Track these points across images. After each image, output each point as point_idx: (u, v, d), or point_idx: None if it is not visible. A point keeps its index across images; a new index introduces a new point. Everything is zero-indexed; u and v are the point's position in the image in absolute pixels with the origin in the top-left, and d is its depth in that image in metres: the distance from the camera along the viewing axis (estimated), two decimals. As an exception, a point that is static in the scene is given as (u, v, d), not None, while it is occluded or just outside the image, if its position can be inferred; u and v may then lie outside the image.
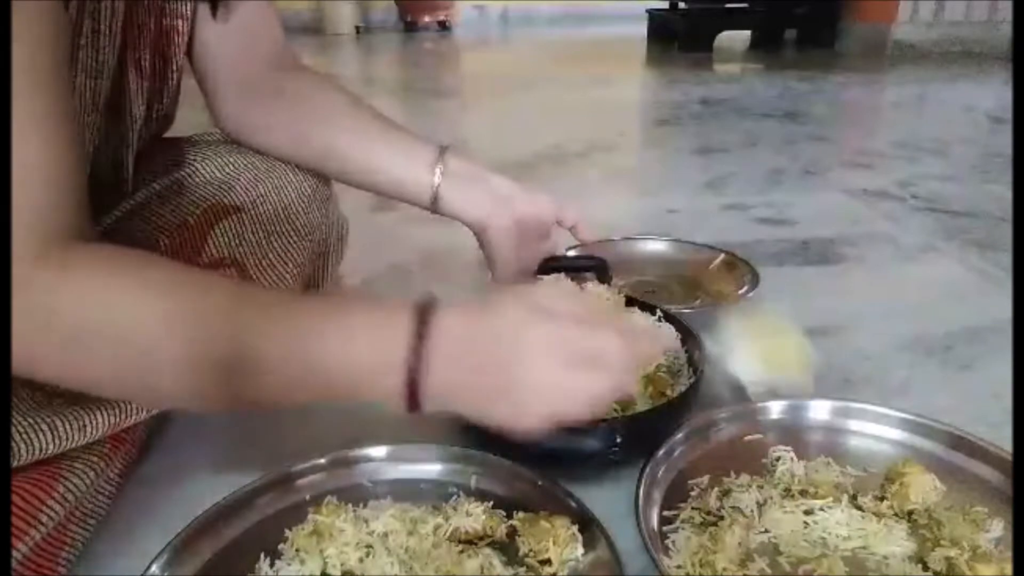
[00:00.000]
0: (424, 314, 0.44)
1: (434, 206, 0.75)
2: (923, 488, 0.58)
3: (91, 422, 0.50)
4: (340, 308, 0.46)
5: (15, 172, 0.40)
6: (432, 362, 0.44)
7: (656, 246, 1.06)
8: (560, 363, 0.45)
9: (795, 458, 0.62)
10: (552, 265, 0.79)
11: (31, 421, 0.47)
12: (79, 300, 0.41)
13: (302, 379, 0.45)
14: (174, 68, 0.67)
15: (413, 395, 0.44)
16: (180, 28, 0.65)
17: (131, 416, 0.53)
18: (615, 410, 0.65)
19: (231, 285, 0.49)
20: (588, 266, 0.79)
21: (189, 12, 0.66)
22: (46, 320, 0.40)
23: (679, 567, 0.52)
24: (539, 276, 0.78)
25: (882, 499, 0.58)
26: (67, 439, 0.49)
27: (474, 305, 0.47)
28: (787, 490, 0.59)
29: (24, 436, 0.47)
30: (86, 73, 0.55)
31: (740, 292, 0.93)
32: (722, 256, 1.01)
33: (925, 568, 0.52)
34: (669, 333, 0.57)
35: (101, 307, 0.41)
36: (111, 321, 0.41)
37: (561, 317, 0.46)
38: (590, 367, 0.45)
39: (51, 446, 0.48)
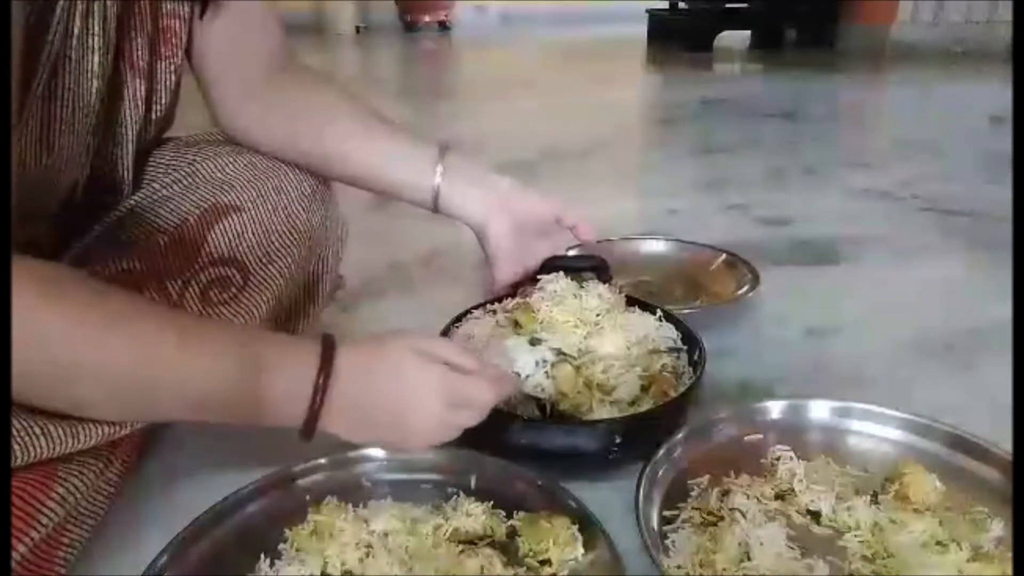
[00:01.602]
0: (327, 352, 0.53)
1: (435, 206, 0.75)
2: (923, 488, 0.58)
3: (84, 430, 0.50)
4: (254, 339, 0.53)
5: None
6: (332, 398, 0.52)
7: (656, 246, 1.06)
8: (442, 405, 0.55)
9: (794, 457, 0.62)
10: (552, 265, 0.79)
11: (25, 424, 0.47)
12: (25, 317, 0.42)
13: (207, 403, 0.50)
14: (172, 69, 0.66)
15: (310, 425, 0.53)
16: (176, 28, 0.65)
17: (125, 426, 0.53)
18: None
19: (150, 309, 0.52)
20: (588, 266, 0.79)
21: (186, 13, 0.65)
22: None
23: (679, 567, 0.52)
24: (539, 276, 0.78)
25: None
26: (61, 444, 0.49)
27: (370, 346, 0.56)
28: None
29: (19, 439, 0.47)
30: (77, 73, 0.55)
31: (740, 292, 0.93)
32: (723, 256, 1.01)
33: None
34: (515, 380, 0.65)
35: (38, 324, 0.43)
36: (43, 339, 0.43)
37: (441, 362, 0.56)
38: (463, 407, 0.56)
39: (45, 451, 0.48)
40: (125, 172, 0.66)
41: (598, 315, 0.73)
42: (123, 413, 0.51)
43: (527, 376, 0.67)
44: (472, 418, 0.57)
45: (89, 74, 0.56)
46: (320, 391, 0.52)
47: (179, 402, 0.50)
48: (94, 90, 0.57)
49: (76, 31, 0.53)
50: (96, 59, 0.56)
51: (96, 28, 0.55)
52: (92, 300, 0.47)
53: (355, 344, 0.55)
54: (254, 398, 0.51)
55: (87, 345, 0.45)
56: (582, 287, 0.76)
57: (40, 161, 0.55)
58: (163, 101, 0.67)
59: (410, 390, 0.54)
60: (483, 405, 0.57)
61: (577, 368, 0.68)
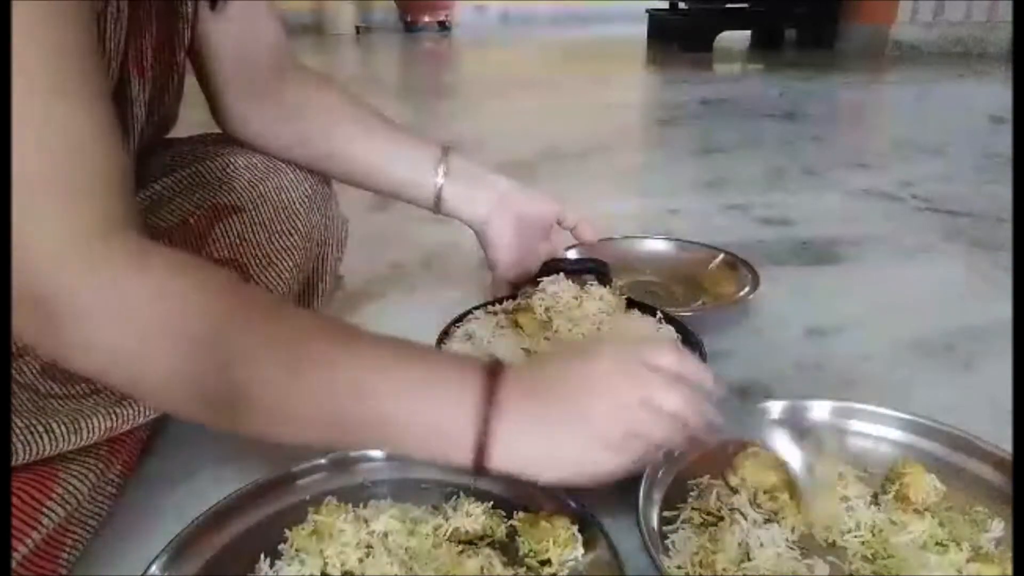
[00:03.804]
0: (490, 380, 0.45)
1: (436, 206, 0.75)
2: (923, 488, 0.58)
3: (87, 426, 0.50)
4: (412, 361, 0.46)
5: (79, 164, 0.40)
6: (501, 434, 0.44)
7: (656, 246, 1.06)
8: (636, 401, 0.46)
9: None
10: (553, 266, 0.79)
11: (28, 422, 0.47)
12: (159, 296, 0.41)
13: (342, 425, 0.45)
14: (175, 70, 0.67)
15: (480, 460, 0.45)
16: (180, 29, 0.65)
17: (127, 422, 0.53)
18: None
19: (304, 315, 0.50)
20: (589, 268, 0.80)
21: (189, 13, 0.66)
22: (125, 311, 0.40)
23: (679, 567, 0.52)
24: (539, 277, 0.79)
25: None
26: (64, 441, 0.49)
27: (531, 367, 0.49)
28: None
29: (21, 437, 0.47)
30: None
31: (741, 294, 0.93)
32: (721, 256, 1.01)
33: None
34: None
35: (173, 308, 0.42)
36: (176, 322, 0.41)
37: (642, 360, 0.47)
38: (660, 414, 0.46)
39: (47, 448, 0.48)
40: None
41: (599, 326, 0.73)
42: (285, 441, 0.47)
43: None
44: (671, 427, 0.47)
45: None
46: (486, 423, 0.44)
47: (351, 438, 0.47)
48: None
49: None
50: (106, 61, 0.56)
51: (110, 29, 0.55)
52: (275, 331, 0.44)
53: (518, 368, 0.48)
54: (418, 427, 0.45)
55: (266, 383, 0.43)
56: (583, 289, 0.76)
57: None
58: (165, 101, 0.67)
59: (587, 382, 0.46)
60: (681, 413, 0.46)
61: None
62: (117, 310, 0.40)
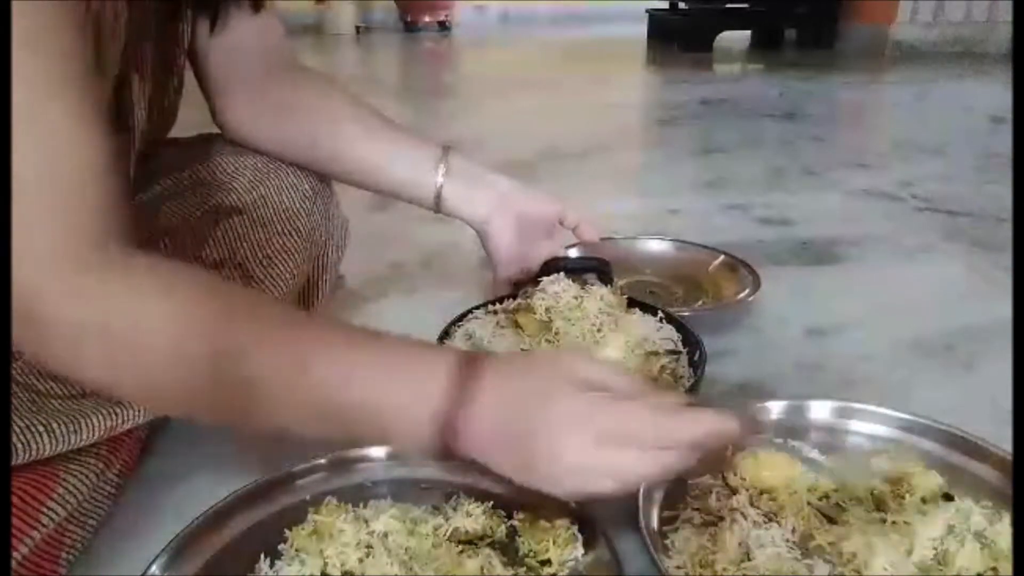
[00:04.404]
0: (464, 368, 0.45)
1: (437, 206, 0.75)
2: (929, 486, 0.58)
3: (87, 425, 0.50)
4: (383, 348, 0.47)
5: (66, 174, 0.40)
6: (468, 419, 0.44)
7: (657, 246, 1.06)
8: (591, 441, 0.44)
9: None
10: (553, 265, 0.79)
11: (28, 422, 0.48)
12: (139, 307, 0.42)
13: (326, 415, 0.46)
14: (175, 70, 0.67)
15: (447, 446, 0.45)
16: (180, 31, 0.65)
17: (127, 421, 0.53)
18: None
19: (281, 310, 0.51)
20: (590, 267, 0.79)
21: (189, 15, 0.66)
22: (111, 322, 0.41)
23: (679, 567, 0.52)
24: (540, 277, 0.78)
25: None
26: (63, 441, 0.49)
27: (512, 366, 0.48)
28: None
29: (21, 436, 0.47)
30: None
31: (741, 295, 0.93)
32: (723, 258, 1.01)
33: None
34: (720, 418, 0.47)
35: (158, 317, 0.42)
36: (164, 331, 0.42)
37: (594, 390, 0.46)
38: (621, 445, 0.45)
39: (47, 448, 0.48)
40: (128, 173, 0.66)
41: (600, 326, 0.73)
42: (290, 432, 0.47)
43: None
44: (634, 461, 0.45)
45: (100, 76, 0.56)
46: (455, 411, 0.45)
47: (337, 428, 0.47)
48: (102, 93, 0.57)
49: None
50: (104, 61, 0.56)
51: (107, 30, 0.55)
52: (282, 336, 0.45)
53: (494, 362, 0.47)
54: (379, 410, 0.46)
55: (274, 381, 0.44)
56: (584, 289, 0.76)
57: None
58: (164, 102, 0.67)
59: (550, 425, 0.45)
60: (651, 442, 0.45)
61: None
62: (103, 322, 0.41)
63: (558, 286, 0.76)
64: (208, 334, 0.42)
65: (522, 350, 0.71)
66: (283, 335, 0.45)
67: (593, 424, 0.45)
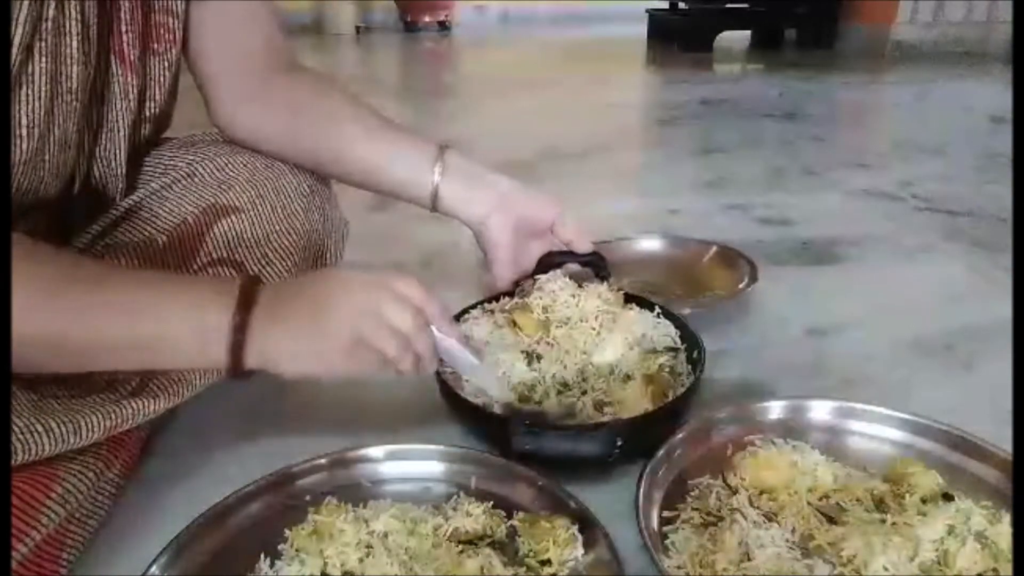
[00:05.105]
0: (247, 290, 0.51)
1: (434, 205, 0.75)
2: (929, 486, 0.58)
3: (87, 425, 0.50)
4: (168, 283, 0.53)
5: None
6: (253, 331, 0.50)
7: (652, 244, 1.07)
8: (373, 322, 0.53)
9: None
10: (549, 261, 0.79)
11: (27, 422, 0.47)
12: None
13: (128, 352, 0.50)
14: (166, 65, 0.66)
15: (237, 362, 0.51)
16: (171, 25, 0.65)
17: (127, 421, 0.53)
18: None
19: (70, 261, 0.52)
20: (585, 261, 0.79)
21: (180, 10, 0.65)
22: None
23: (679, 567, 0.52)
24: (537, 273, 0.78)
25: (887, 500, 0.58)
26: (63, 441, 0.49)
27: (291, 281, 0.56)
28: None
29: (21, 437, 0.47)
30: (53, 56, 0.55)
31: (741, 287, 0.93)
32: (718, 250, 1.01)
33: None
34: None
35: None
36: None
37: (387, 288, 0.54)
38: (385, 329, 0.53)
39: (47, 448, 0.48)
40: (119, 168, 0.66)
41: (599, 329, 0.73)
42: (64, 366, 0.51)
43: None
44: (398, 349, 0.54)
45: (68, 59, 0.56)
46: (241, 329, 0.50)
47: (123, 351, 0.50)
48: (75, 75, 0.56)
49: (50, 14, 0.53)
50: (75, 44, 0.56)
51: (73, 12, 0.55)
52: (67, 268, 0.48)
53: (275, 283, 0.55)
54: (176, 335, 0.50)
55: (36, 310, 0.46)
56: (581, 287, 0.76)
57: (21, 146, 0.55)
58: (157, 98, 0.67)
59: (336, 295, 0.53)
60: (419, 345, 0.55)
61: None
62: None
63: (555, 284, 0.76)
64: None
65: (522, 353, 0.71)
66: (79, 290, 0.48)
67: (376, 304, 0.53)
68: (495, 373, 0.68)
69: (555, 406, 0.67)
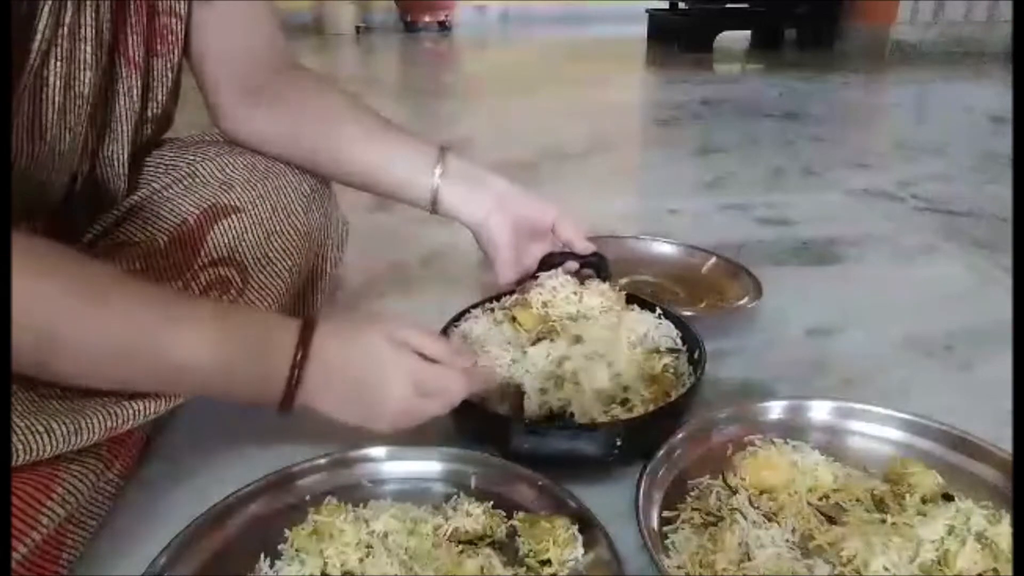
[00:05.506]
0: (305, 334, 0.55)
1: (433, 207, 0.75)
2: (929, 485, 0.58)
3: (87, 426, 0.50)
4: (230, 317, 0.55)
5: None
6: (308, 376, 0.54)
7: (658, 247, 1.06)
8: (411, 392, 0.57)
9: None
10: (552, 261, 0.79)
11: (28, 423, 0.47)
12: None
13: (183, 376, 0.52)
14: (169, 67, 0.67)
15: (288, 403, 0.55)
16: (174, 27, 0.65)
17: (127, 421, 0.53)
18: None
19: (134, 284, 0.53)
20: (587, 262, 0.79)
21: (183, 11, 0.66)
22: None
23: (679, 567, 0.52)
24: (538, 272, 0.78)
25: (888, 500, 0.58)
26: (64, 441, 0.49)
27: (347, 330, 0.58)
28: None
29: (21, 437, 0.47)
30: (69, 62, 0.55)
31: (741, 302, 0.93)
32: (724, 263, 1.01)
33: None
34: (488, 374, 0.67)
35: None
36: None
37: (413, 350, 0.58)
38: (432, 396, 0.58)
39: (48, 448, 0.48)
40: (121, 168, 0.66)
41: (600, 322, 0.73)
42: (98, 382, 0.51)
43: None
44: (440, 408, 0.59)
45: (82, 64, 0.56)
46: (297, 367, 0.54)
47: (155, 375, 0.52)
48: (87, 80, 0.57)
49: (68, 20, 0.53)
50: (89, 49, 0.56)
51: (88, 19, 0.55)
52: (76, 272, 0.48)
53: (332, 326, 0.57)
54: (230, 372, 0.53)
55: (69, 316, 0.46)
56: (582, 285, 0.76)
57: (32, 149, 0.55)
58: (159, 98, 0.68)
59: (382, 375, 0.57)
60: (452, 396, 0.59)
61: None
62: None
63: (555, 281, 0.76)
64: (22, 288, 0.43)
65: (522, 352, 0.71)
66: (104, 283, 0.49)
67: (415, 378, 0.57)
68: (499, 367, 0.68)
69: (536, 408, 0.66)
